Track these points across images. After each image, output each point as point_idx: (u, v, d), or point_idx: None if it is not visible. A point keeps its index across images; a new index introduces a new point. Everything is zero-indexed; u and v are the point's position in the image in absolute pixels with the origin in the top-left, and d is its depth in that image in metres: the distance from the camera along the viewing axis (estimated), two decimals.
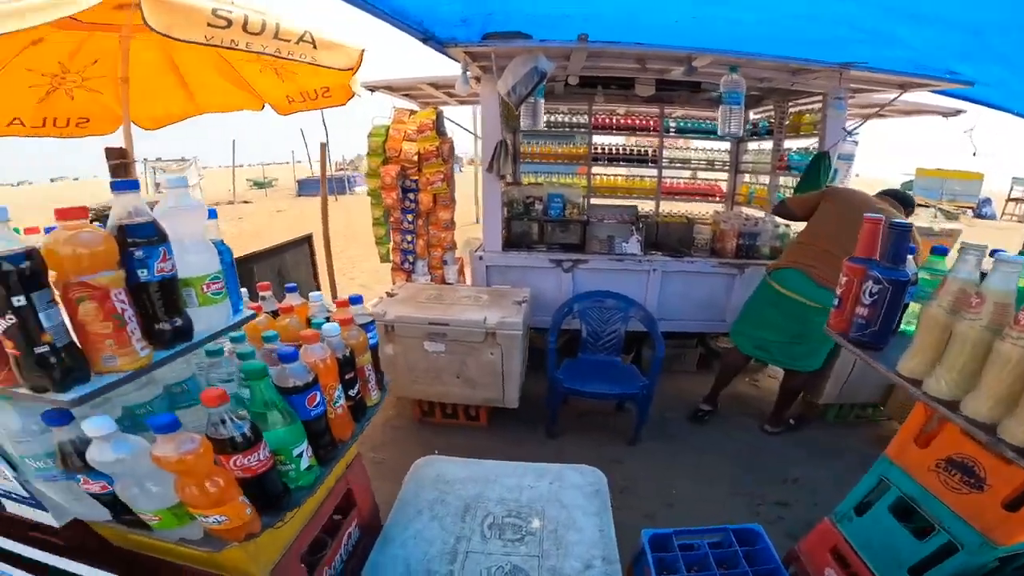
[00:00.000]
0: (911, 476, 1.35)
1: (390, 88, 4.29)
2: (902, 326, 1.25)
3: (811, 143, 3.60)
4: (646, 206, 4.42)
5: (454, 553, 1.49)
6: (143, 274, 0.88)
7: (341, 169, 22.35)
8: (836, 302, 1.29)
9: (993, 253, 0.99)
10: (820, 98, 3.41)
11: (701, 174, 4.66)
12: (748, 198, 4.22)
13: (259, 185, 20.92)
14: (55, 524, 1.09)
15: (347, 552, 1.55)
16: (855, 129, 3.42)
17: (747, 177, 4.45)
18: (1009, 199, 14.07)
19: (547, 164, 4.54)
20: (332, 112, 3.61)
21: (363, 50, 2.69)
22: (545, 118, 4.41)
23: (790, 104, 3.92)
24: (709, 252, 3.44)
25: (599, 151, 4.44)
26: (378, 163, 3.58)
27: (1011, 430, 0.90)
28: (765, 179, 4.16)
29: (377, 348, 1.54)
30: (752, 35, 2.56)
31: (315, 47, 2.43)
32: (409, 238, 3.60)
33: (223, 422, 0.91)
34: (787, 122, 3.96)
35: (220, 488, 0.91)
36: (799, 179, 3.31)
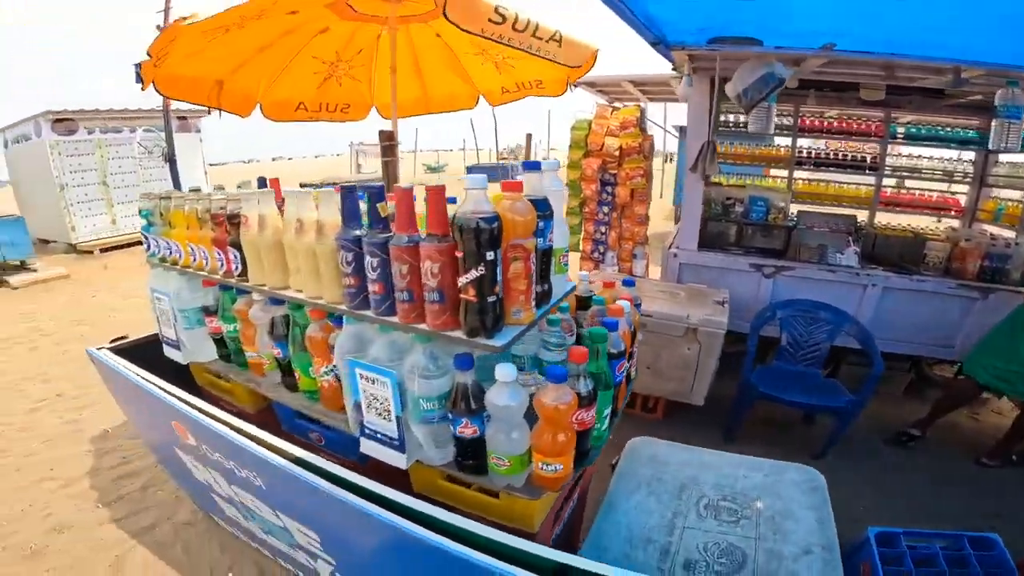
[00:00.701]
0: None
1: (591, 84, 4.49)
2: None
3: None
4: (860, 215, 4.05)
5: (671, 526, 1.59)
6: (541, 242, 1.12)
7: (503, 158, 23.53)
8: None
9: None
10: None
11: (934, 185, 4.10)
12: (995, 215, 3.64)
13: (432, 169, 23.36)
14: (404, 466, 1.26)
15: (568, 514, 1.73)
16: None
17: (995, 192, 3.83)
18: None
19: (740, 165, 4.38)
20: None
21: (597, 50, 2.88)
22: (742, 118, 4.28)
23: None
24: (943, 271, 3.07)
25: (803, 154, 4.16)
26: (579, 155, 3.80)
27: None
28: (1019, 195, 3.56)
29: None
30: None
31: (560, 46, 2.67)
32: (603, 229, 3.77)
33: (581, 378, 1.13)
34: None
35: (568, 439, 1.10)
36: None
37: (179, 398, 1.62)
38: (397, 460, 1.26)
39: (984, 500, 2.47)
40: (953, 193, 4.05)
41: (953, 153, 3.92)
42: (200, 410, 1.54)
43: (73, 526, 2.38)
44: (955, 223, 3.89)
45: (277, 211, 1.44)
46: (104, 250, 8.50)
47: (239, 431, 1.43)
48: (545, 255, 1.16)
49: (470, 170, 19.90)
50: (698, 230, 3.33)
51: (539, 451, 1.13)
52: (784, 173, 4.34)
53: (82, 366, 4.09)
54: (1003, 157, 3.82)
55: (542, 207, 1.11)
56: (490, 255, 0.99)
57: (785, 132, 4.16)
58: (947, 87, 2.74)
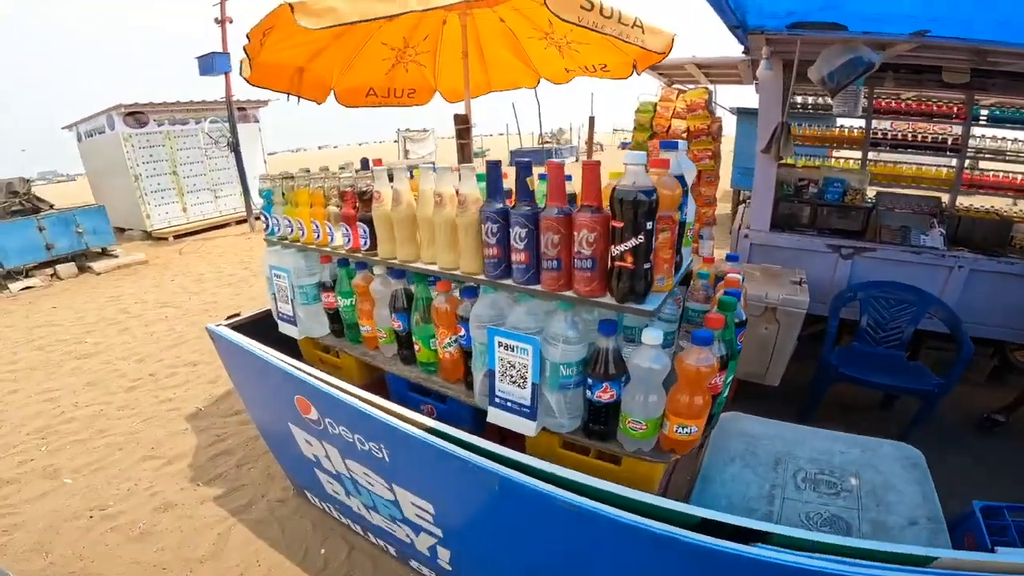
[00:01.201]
0: None
1: (655, 68, 4.46)
2: None
3: None
4: (943, 198, 3.92)
5: (771, 497, 1.61)
6: (679, 216, 1.19)
7: (546, 142, 23.34)
8: None
9: None
10: None
11: (1020, 167, 3.91)
12: None
13: (475, 155, 23.43)
14: (532, 434, 1.32)
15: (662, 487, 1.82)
16: None
17: None
18: None
19: (807, 147, 4.29)
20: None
21: (674, 35, 2.90)
22: (811, 100, 4.19)
23: None
24: None
25: (880, 136, 4.04)
26: (645, 138, 3.81)
27: None
28: None
29: None
30: None
31: (644, 32, 2.71)
32: None
33: (717, 342, 1.20)
34: None
35: (705, 402, 1.16)
36: None
37: (308, 372, 1.69)
38: (526, 428, 1.33)
39: None
40: None
41: None
42: (330, 384, 1.60)
43: (177, 505, 2.49)
44: None
45: (410, 187, 1.55)
46: (177, 237, 9.02)
47: (370, 403, 1.50)
48: (682, 227, 1.23)
49: (514, 154, 20.10)
50: (770, 211, 3.30)
51: (677, 413, 1.20)
52: (852, 154, 4.24)
53: (169, 345, 4.40)
54: None
55: (684, 184, 1.19)
56: (648, 225, 1.07)
57: (859, 114, 4.06)
58: None
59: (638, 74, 3.59)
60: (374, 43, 3.70)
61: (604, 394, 1.23)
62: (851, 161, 4.19)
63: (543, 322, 1.30)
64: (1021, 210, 3.62)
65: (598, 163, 1.12)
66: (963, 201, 3.90)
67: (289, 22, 2.12)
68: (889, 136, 4.02)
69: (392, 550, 2.10)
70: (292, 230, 1.96)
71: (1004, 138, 3.79)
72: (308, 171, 2.04)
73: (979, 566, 0.91)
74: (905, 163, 4.00)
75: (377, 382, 2.00)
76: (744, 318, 1.35)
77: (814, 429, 1.97)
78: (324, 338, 2.09)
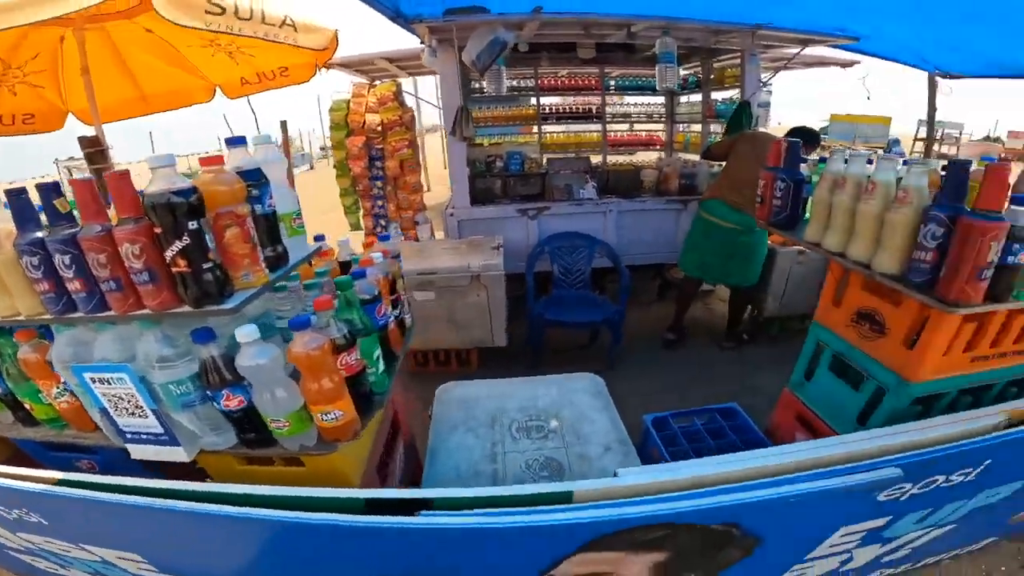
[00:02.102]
0: (836, 334, 1.63)
1: (345, 65, 4.40)
2: (805, 216, 1.69)
3: (733, 94, 4.08)
4: (595, 158, 4.83)
5: (493, 455, 1.73)
6: (259, 208, 1.14)
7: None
8: (759, 200, 1.72)
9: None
10: (738, 54, 3.86)
11: (642, 126, 5.09)
12: (684, 145, 4.70)
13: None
14: (187, 459, 1.20)
15: (401, 471, 1.81)
16: (769, 80, 3.93)
17: (682, 127, 4.93)
18: (916, 139, 15.39)
19: (497, 126, 4.81)
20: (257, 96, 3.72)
21: (336, 31, 2.87)
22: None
23: (714, 60, 4.38)
24: (656, 193, 3.88)
25: (547, 111, 4.77)
26: (342, 136, 3.75)
27: (879, 262, 1.34)
28: (698, 127, 4.65)
29: (404, 277, 1.84)
30: (688, 1, 2.92)
31: (296, 30, 2.61)
32: (380, 203, 3.82)
33: (331, 324, 1.19)
34: (712, 76, 4.42)
35: (335, 383, 1.13)
36: (725, 126, 3.78)
37: None
38: (176, 455, 1.21)
39: (740, 377, 3.08)
40: (655, 131, 5.08)
41: (654, 99, 4.94)
42: None
43: None
44: (661, 154, 4.91)
45: None
46: None
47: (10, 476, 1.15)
48: (268, 220, 1.19)
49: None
50: (468, 188, 3.60)
51: (312, 401, 1.15)
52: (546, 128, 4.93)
53: None
54: (683, 99, 4.94)
55: (254, 176, 1.15)
56: (192, 225, 0.99)
57: (531, 92, 4.72)
58: (623, 39, 3.39)
59: (322, 73, 3.48)
60: None
61: (231, 402, 1.14)
62: (530, 135, 4.86)
63: (134, 346, 1.14)
64: (644, 160, 4.70)
65: (126, 172, 1.00)
66: (613, 159, 4.90)
67: None
68: (555, 110, 4.80)
69: None
70: None
71: (629, 103, 4.90)
72: None
73: (606, 493, 1.02)
74: (568, 132, 4.83)
75: (17, 455, 1.61)
76: (376, 293, 1.39)
77: (520, 379, 2.16)
78: None
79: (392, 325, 1.56)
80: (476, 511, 1.02)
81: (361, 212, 3.93)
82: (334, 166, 3.87)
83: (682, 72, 4.86)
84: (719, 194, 3.07)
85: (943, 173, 1.16)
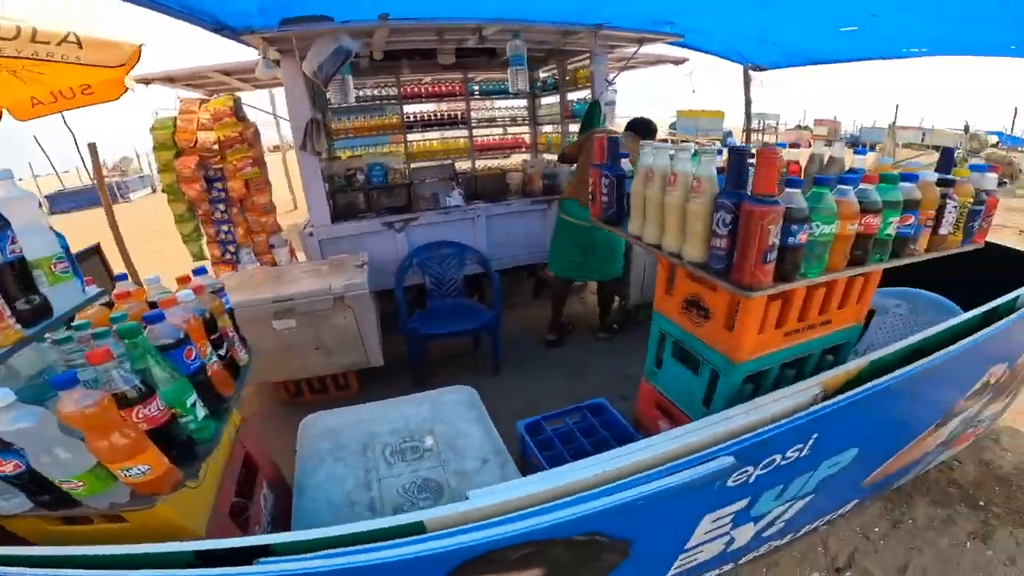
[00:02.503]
0: (672, 321, 1.67)
1: (170, 79, 3.94)
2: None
3: (586, 94, 4.27)
4: (465, 164, 4.81)
5: (368, 482, 1.64)
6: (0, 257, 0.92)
7: (107, 176, 18.70)
8: (591, 197, 1.76)
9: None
10: (588, 55, 4.04)
11: (507, 129, 5.16)
12: (547, 146, 4.84)
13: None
14: None
15: (270, 514, 1.66)
16: (614, 79, 4.16)
17: (545, 128, 5.08)
18: (744, 130, 17.59)
19: (363, 138, 4.61)
20: (75, 113, 3.24)
21: (140, 46, 2.55)
22: (354, 93, 4.48)
23: (568, 62, 4.56)
24: (522, 194, 3.94)
25: (412, 119, 4.65)
26: (169, 157, 3.33)
27: (687, 252, 1.40)
28: (559, 127, 4.81)
29: (233, 313, 1.64)
30: (530, 3, 2.96)
31: (81, 47, 2.29)
32: (226, 228, 3.45)
33: (115, 377, 1.00)
34: (567, 77, 4.60)
35: (131, 438, 0.98)
36: (580, 125, 3.93)
37: None
38: None
39: (616, 367, 3.17)
40: (521, 134, 5.19)
41: (517, 102, 5.03)
42: None
43: None
44: (528, 156, 5.02)
45: None
46: None
47: None
48: (13, 268, 0.98)
49: (52, 199, 15.54)
50: (326, 205, 3.37)
51: (107, 460, 1.01)
52: (417, 137, 4.80)
53: None
54: (544, 100, 5.09)
55: None
56: None
57: (394, 101, 4.57)
58: (475, 44, 3.39)
59: (134, 90, 3.05)
60: None
61: (4, 467, 0.97)
62: (394, 146, 4.72)
63: None
64: (510, 163, 4.77)
65: None
66: (483, 163, 4.91)
67: None
68: (419, 118, 4.70)
69: None
70: None
71: (494, 107, 4.93)
72: None
73: (460, 519, 0.98)
74: (435, 139, 4.76)
75: None
76: (180, 336, 1.20)
77: (385, 402, 2.05)
78: None
79: (215, 367, 1.38)
80: (322, 553, 0.93)
81: (204, 239, 3.52)
82: (163, 190, 3.42)
83: (541, 74, 5.02)
84: (574, 193, 3.16)
85: (726, 162, 1.23)
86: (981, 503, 2.17)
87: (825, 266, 1.30)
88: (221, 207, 3.42)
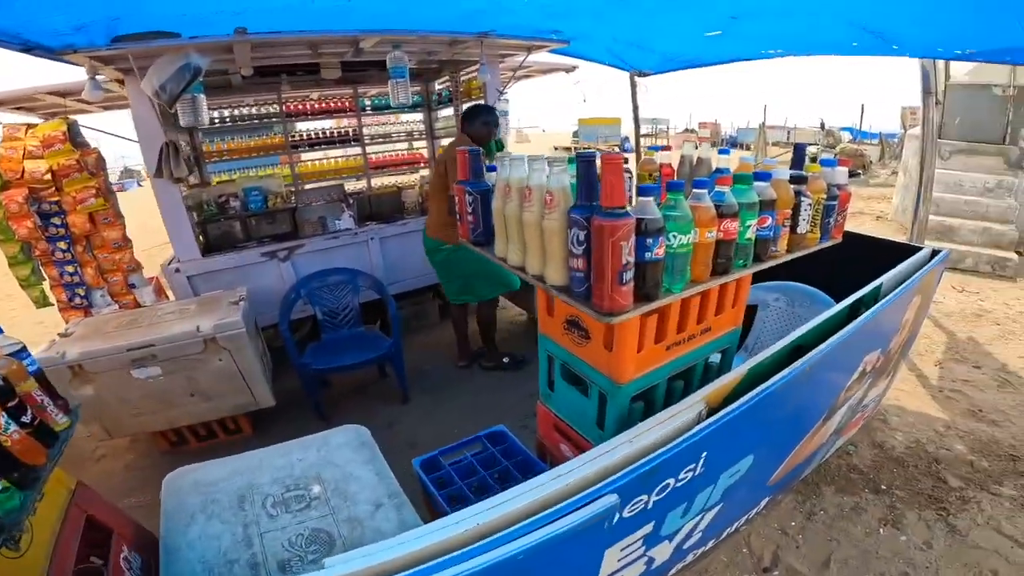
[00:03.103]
0: (556, 343, 1.56)
1: None
2: None
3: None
4: (360, 184, 4.54)
5: (248, 538, 1.46)
6: None
7: None
8: (458, 217, 1.62)
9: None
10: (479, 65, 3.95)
11: (403, 145, 4.96)
12: None
13: None
14: None
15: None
16: (506, 89, 4.12)
17: (444, 141, 4.93)
18: (638, 136, 18.70)
19: (243, 160, 4.21)
20: None
21: None
22: (228, 112, 4.10)
23: (462, 73, 4.46)
24: (420, 212, 3.76)
25: (299, 137, 4.32)
26: None
27: (548, 275, 1.27)
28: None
29: (42, 374, 1.42)
30: (413, 13, 2.82)
31: None
32: (71, 269, 2.97)
33: None
34: (462, 88, 4.49)
35: None
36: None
37: None
38: None
39: (524, 386, 2.99)
40: (419, 149, 5.02)
41: (413, 116, 4.86)
42: None
43: None
44: (427, 172, 4.85)
45: None
46: None
47: None
48: None
49: None
50: (193, 237, 3.01)
51: None
52: (307, 156, 4.44)
53: None
54: (441, 113, 4.96)
55: None
56: None
57: (275, 119, 4.22)
58: (352, 57, 3.19)
59: None
60: None
61: None
62: (280, 168, 4.38)
63: None
64: (406, 181, 4.59)
65: None
66: (378, 182, 4.67)
67: None
68: (307, 136, 4.39)
69: None
70: None
71: (388, 122, 4.73)
72: None
73: None
74: (324, 159, 4.47)
75: None
76: None
77: (267, 449, 1.85)
78: None
79: (17, 436, 1.21)
80: None
81: (47, 283, 3.02)
82: None
83: (437, 86, 4.89)
84: (436, 234, 2.97)
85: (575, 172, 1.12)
86: (883, 487, 2.25)
87: (688, 279, 1.23)
88: (62, 245, 2.94)
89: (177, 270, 2.95)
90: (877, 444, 2.53)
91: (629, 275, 1.07)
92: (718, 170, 1.44)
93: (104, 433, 2.53)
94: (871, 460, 2.42)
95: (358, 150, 4.55)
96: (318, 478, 1.69)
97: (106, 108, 4.13)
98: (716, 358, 1.62)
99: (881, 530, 2.04)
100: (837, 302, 1.65)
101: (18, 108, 3.62)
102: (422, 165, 4.82)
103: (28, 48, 2.30)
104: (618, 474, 1.00)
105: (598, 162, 1.05)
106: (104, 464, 2.69)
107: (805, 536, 2.03)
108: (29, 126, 3.05)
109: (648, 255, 1.08)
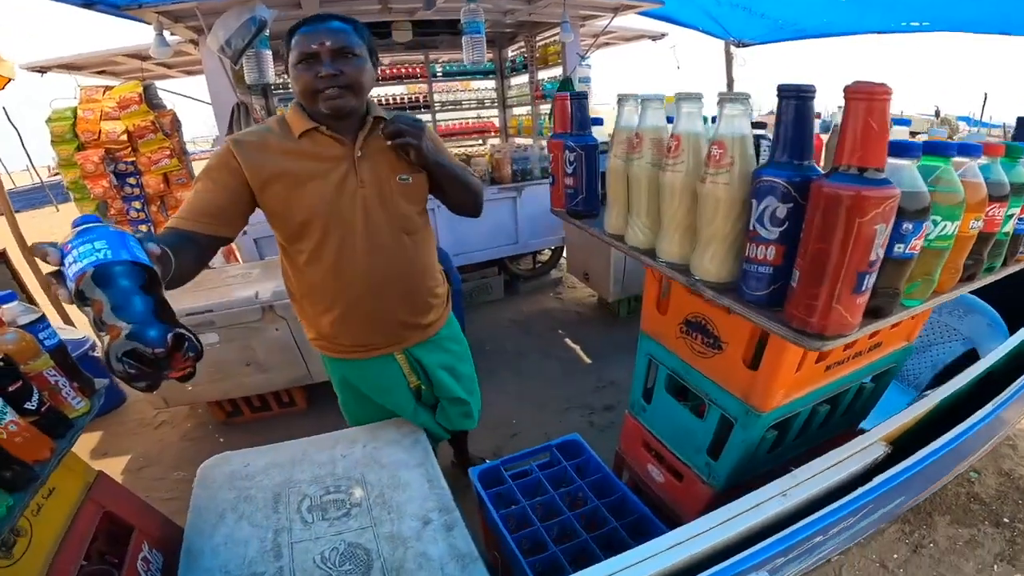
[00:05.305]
0: (666, 347, 1.27)
1: (71, 66, 3.42)
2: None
3: (558, 72, 3.86)
4: None
5: (277, 548, 1.28)
6: None
7: (56, 174, 17.82)
8: (551, 180, 1.31)
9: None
10: (558, 28, 3.62)
11: (473, 114, 4.72)
12: (518, 129, 4.42)
13: None
14: None
15: None
16: (587, 54, 3.76)
17: (516, 110, 4.65)
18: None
19: None
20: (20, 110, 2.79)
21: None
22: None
23: (538, 38, 4.14)
24: (490, 182, 3.52)
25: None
26: (70, 151, 2.86)
27: (700, 264, 0.88)
28: (529, 110, 4.40)
29: (63, 349, 1.22)
30: None
31: None
32: (144, 228, 2.99)
33: None
34: (537, 55, 4.18)
35: None
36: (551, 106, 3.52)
37: None
38: None
39: (596, 373, 2.82)
40: (491, 118, 4.76)
41: (485, 83, 4.60)
42: None
43: None
44: (497, 141, 4.59)
45: None
46: None
47: None
48: None
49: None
50: None
51: None
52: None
53: None
54: (513, 81, 4.67)
55: None
56: None
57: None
58: (424, 11, 2.97)
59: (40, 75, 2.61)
60: None
61: None
62: None
63: None
64: (479, 149, 4.35)
65: None
66: (450, 151, 4.47)
67: None
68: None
69: None
70: None
71: (459, 89, 4.50)
72: None
73: None
74: None
75: None
76: None
77: (312, 439, 1.66)
78: None
79: (14, 428, 0.98)
80: None
81: None
82: (67, 188, 2.94)
83: (510, 53, 4.60)
84: None
85: (774, 109, 0.72)
86: (1006, 520, 1.90)
87: (934, 288, 0.84)
88: (137, 205, 2.95)
89: (244, 231, 2.88)
90: (1004, 472, 2.13)
91: (871, 280, 0.69)
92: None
93: (162, 402, 2.50)
94: (995, 490, 2.04)
95: (427, 117, 4.37)
96: (361, 481, 1.49)
97: (189, 73, 4.17)
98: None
99: (995, 566, 1.70)
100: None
101: (99, 72, 3.69)
102: (492, 134, 4.57)
103: (89, 3, 2.24)
104: (766, 542, 0.71)
105: (823, 100, 0.71)
106: (161, 432, 2.66)
107: (907, 570, 1.70)
108: (107, 88, 3.06)
109: (901, 249, 0.71)
